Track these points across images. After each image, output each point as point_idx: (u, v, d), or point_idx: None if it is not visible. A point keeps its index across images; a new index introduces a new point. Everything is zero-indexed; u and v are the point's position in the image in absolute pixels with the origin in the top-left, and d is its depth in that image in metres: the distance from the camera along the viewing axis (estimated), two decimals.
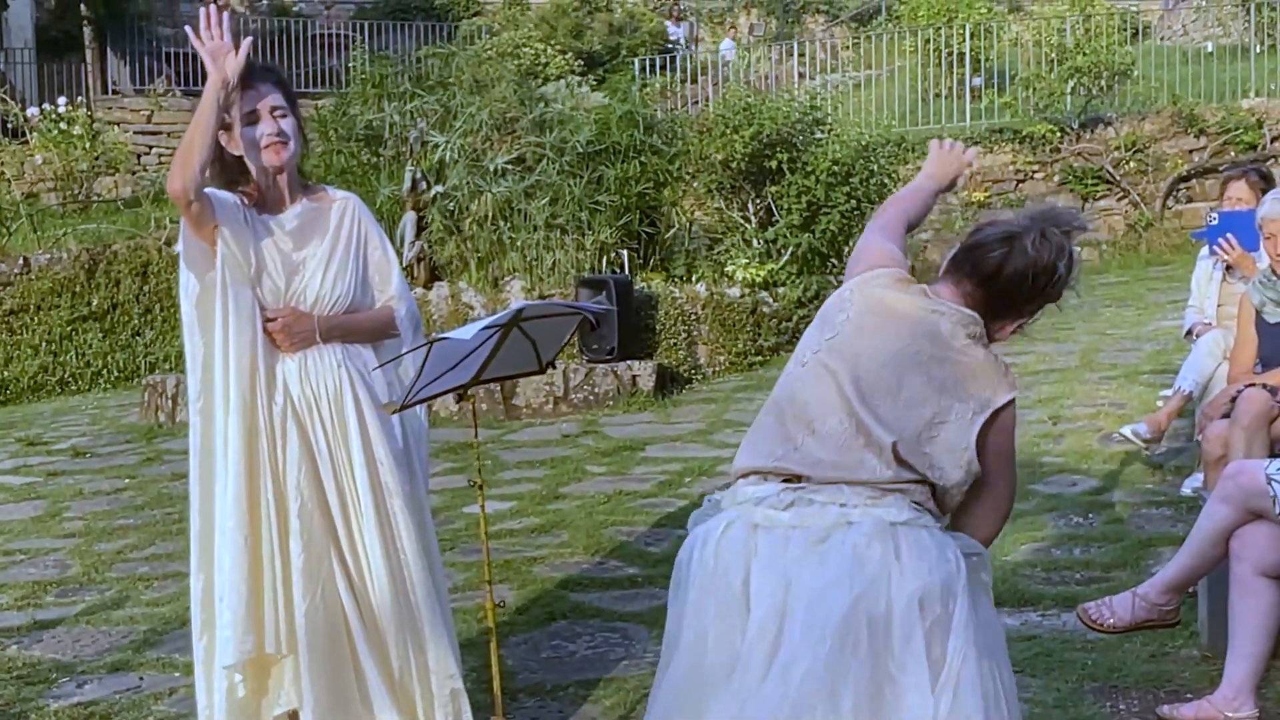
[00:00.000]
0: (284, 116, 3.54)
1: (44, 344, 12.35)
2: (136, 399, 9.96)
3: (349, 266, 3.63)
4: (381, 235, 3.76)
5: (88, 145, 17.66)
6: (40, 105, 19.62)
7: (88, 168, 17.58)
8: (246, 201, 3.58)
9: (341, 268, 3.62)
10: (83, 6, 23.92)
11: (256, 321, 3.52)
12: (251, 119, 3.50)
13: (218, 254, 3.47)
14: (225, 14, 3.50)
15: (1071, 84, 15.78)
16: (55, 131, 17.74)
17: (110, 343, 12.47)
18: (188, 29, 3.53)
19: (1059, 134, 15.43)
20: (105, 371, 12.27)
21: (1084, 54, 15.77)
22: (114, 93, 23.07)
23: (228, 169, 3.58)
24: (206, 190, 3.45)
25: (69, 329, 12.45)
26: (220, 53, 3.42)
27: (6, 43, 25.62)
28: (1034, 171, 15.58)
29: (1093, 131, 15.51)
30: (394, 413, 3.52)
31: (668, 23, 26.17)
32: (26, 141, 18.28)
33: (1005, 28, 19.22)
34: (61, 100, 19.06)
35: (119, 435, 9.10)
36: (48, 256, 12.87)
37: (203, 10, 3.47)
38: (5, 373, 12.08)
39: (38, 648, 4.94)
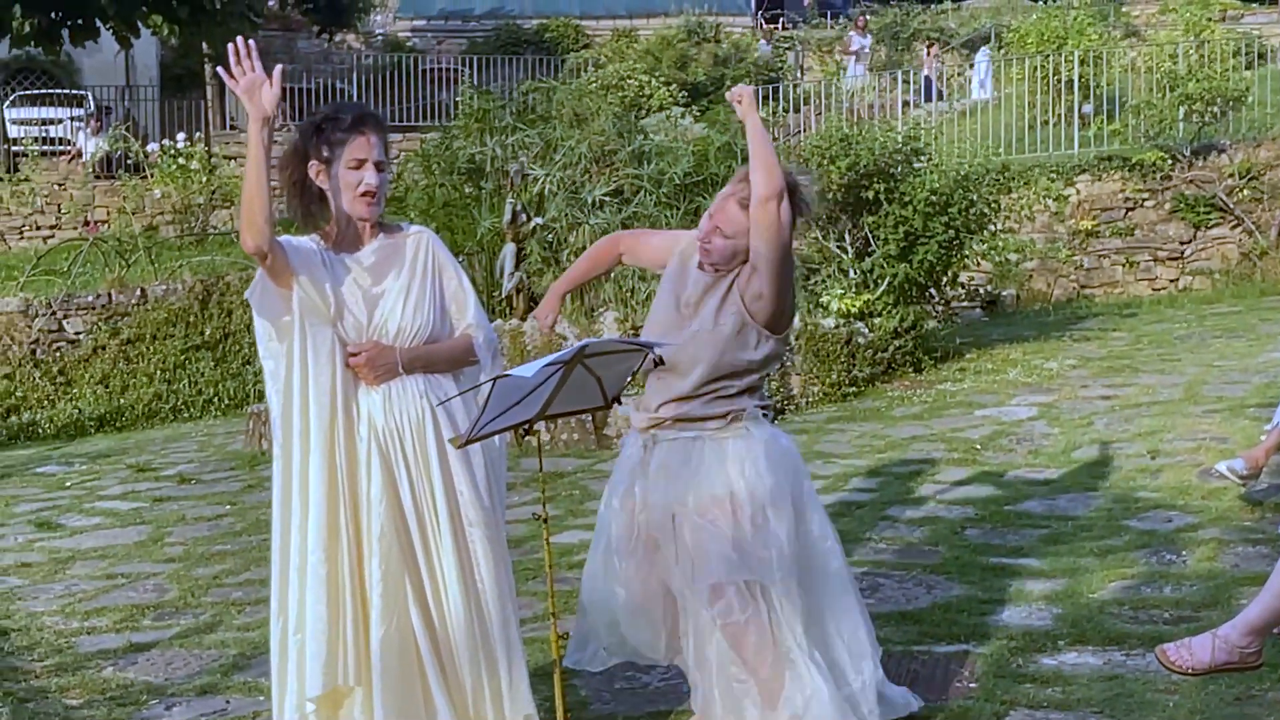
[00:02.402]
0: (383, 171, 3.62)
1: (159, 372, 12.75)
2: (243, 426, 10.22)
3: (427, 297, 3.69)
4: (456, 266, 3.81)
5: (205, 179, 18.19)
6: (161, 141, 20.27)
7: (204, 201, 18.12)
8: (323, 243, 3.67)
9: (420, 298, 3.68)
10: (204, 44, 24.64)
11: (337, 360, 3.58)
12: (356, 165, 3.56)
13: (294, 298, 3.55)
14: (253, 42, 3.48)
15: (1183, 110, 15.48)
16: (174, 166, 18.31)
17: (222, 371, 12.83)
18: (219, 70, 3.55)
19: (1170, 161, 15.15)
20: (216, 399, 12.61)
21: (1196, 80, 15.46)
22: (232, 128, 23.73)
23: (309, 197, 3.65)
24: (282, 239, 3.53)
25: (182, 358, 12.85)
26: (255, 86, 3.41)
27: (132, 80, 26.53)
28: (1144, 199, 15.31)
29: (1205, 158, 15.20)
30: (459, 447, 3.57)
31: (852, 33, 25.60)
32: (146, 176, 18.88)
33: (1118, 54, 18.92)
34: (180, 136, 19.67)
35: (224, 462, 9.34)
36: (164, 287, 13.30)
37: (230, 46, 3.46)
38: (121, 400, 12.47)
39: (132, 670, 5.08)
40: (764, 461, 3.73)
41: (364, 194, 3.57)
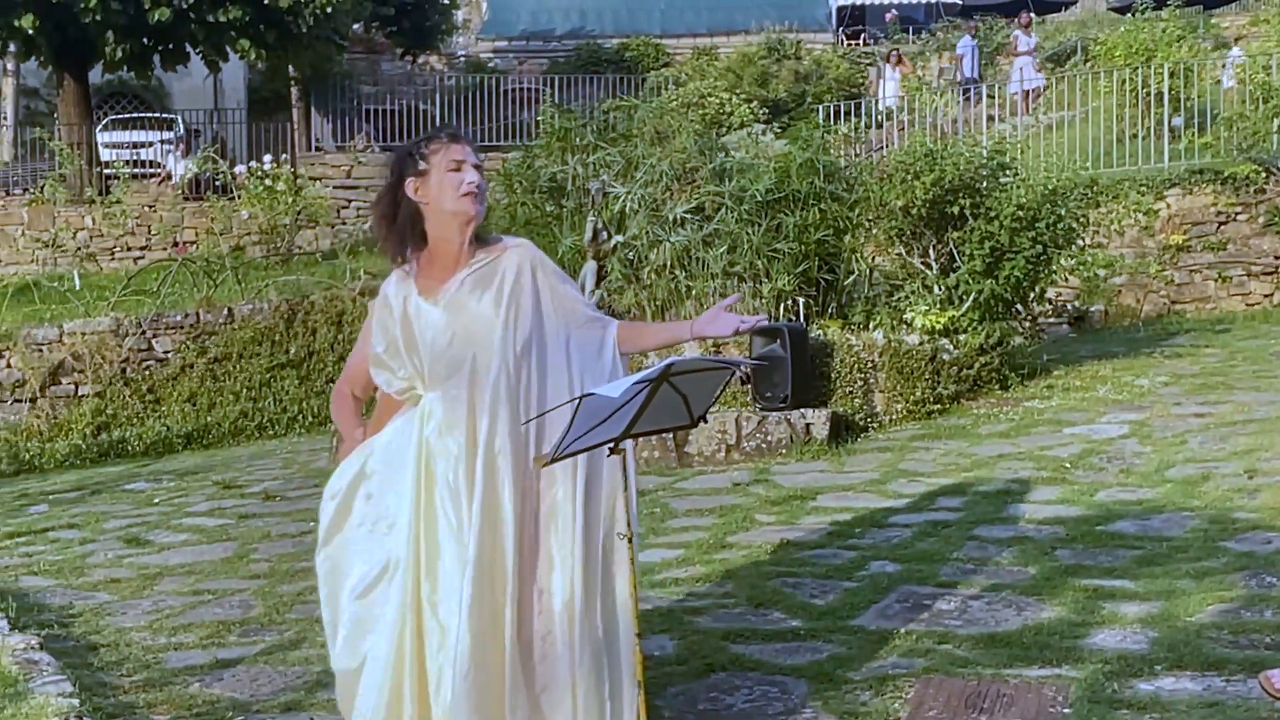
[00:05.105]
0: (482, 176, 3.67)
1: (244, 390, 12.90)
2: (327, 444, 10.29)
3: (526, 312, 3.67)
4: (560, 274, 3.79)
5: (290, 200, 18.40)
6: (248, 163, 20.59)
7: (290, 222, 18.34)
8: (415, 273, 3.67)
9: (519, 313, 3.65)
10: (291, 68, 25.04)
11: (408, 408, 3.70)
12: (455, 167, 3.61)
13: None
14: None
15: (1277, 123, 15.14)
16: (260, 188, 18.55)
17: (306, 389, 12.96)
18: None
19: (1264, 174, 14.81)
20: (300, 417, 12.73)
21: None
22: (317, 149, 24.07)
23: (403, 227, 3.65)
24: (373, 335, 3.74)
25: (268, 376, 12.99)
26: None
27: (221, 103, 27.05)
28: (1236, 213, 14.97)
29: None
30: (544, 466, 3.55)
31: (1018, 32, 24.48)
32: (234, 197, 19.17)
33: (1209, 66, 18.56)
34: (267, 158, 19.96)
35: (308, 479, 9.41)
36: (250, 307, 13.46)
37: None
38: (208, 417, 12.64)
39: (218, 686, 5.10)
40: None
41: (467, 193, 3.59)
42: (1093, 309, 14.22)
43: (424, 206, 3.63)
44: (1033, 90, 21.43)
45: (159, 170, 23.30)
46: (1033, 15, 26.32)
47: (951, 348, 9.73)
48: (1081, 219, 10.93)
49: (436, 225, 3.64)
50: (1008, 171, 10.66)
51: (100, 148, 23.34)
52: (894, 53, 25.57)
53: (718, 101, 20.29)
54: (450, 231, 3.63)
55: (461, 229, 3.63)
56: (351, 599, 3.69)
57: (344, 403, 4.04)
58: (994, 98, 21.02)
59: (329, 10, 20.90)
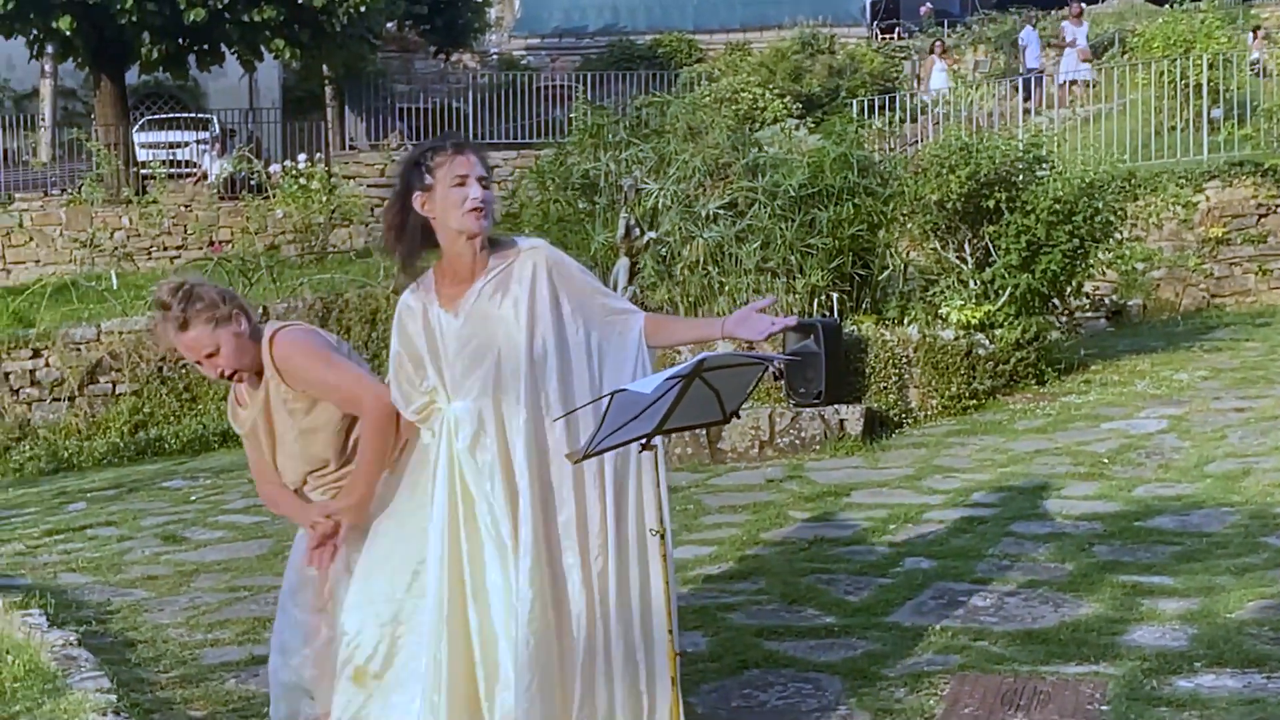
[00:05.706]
0: (487, 188, 3.62)
1: None
2: None
3: (544, 314, 3.65)
4: (579, 268, 3.75)
5: (325, 199, 18.47)
6: (283, 162, 20.71)
7: (324, 221, 18.40)
8: (435, 284, 3.66)
9: (536, 316, 3.64)
10: (325, 67, 25.16)
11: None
12: (459, 182, 3.56)
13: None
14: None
15: None
16: (295, 187, 18.63)
17: None
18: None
19: None
20: None
21: None
22: (351, 148, 24.17)
23: (413, 237, 3.64)
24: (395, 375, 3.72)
25: None
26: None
27: (256, 103, 27.20)
28: (1277, 205, 14.80)
29: None
30: (576, 462, 3.53)
31: (1066, 23, 23.76)
32: (269, 197, 19.26)
33: (1249, 57, 18.35)
34: (301, 157, 20.04)
35: None
36: (284, 305, 13.50)
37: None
38: None
39: (254, 682, 5.12)
40: None
41: (472, 209, 3.56)
42: (1131, 303, 14.10)
43: (431, 221, 3.62)
44: (1076, 83, 21.17)
45: (195, 170, 23.45)
46: (1084, 5, 25.69)
47: (987, 342, 9.67)
48: (1119, 212, 10.83)
49: (445, 239, 3.62)
50: (1044, 165, 10.57)
51: (137, 148, 23.54)
52: (937, 43, 25.26)
53: (751, 97, 20.23)
54: (459, 246, 3.61)
55: (468, 244, 3.62)
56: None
57: (280, 494, 4.03)
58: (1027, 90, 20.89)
59: (362, 9, 21.00)
